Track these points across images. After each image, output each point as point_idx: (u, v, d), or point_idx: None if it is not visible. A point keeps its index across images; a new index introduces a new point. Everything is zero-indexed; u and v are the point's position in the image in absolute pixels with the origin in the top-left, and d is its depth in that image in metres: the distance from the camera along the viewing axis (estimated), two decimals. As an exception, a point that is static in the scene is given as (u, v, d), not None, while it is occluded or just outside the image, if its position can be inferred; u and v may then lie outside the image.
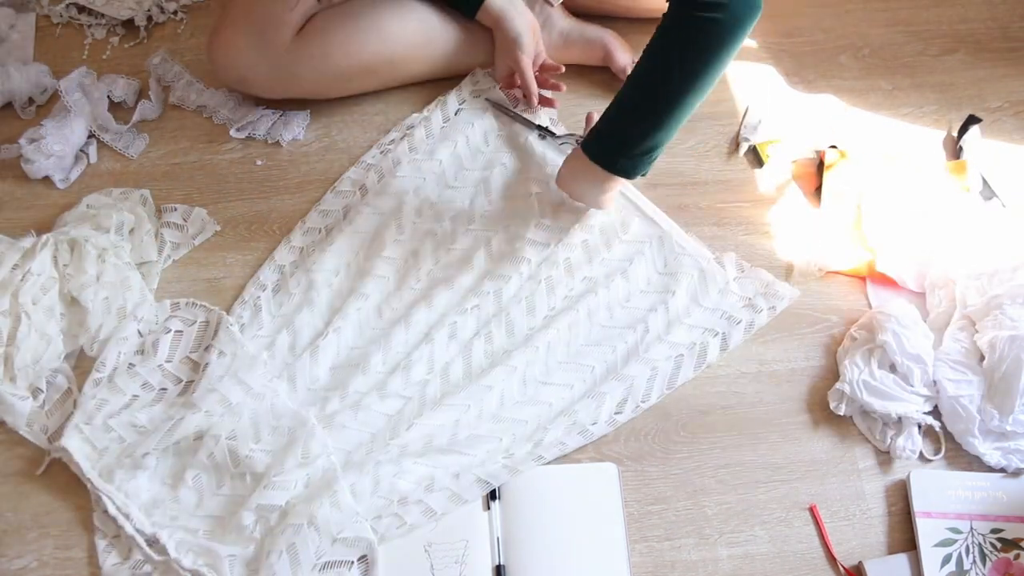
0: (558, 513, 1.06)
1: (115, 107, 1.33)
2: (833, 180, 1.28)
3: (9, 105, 1.34)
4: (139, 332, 1.15)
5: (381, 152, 1.32)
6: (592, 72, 1.39)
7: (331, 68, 1.27)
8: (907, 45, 1.46)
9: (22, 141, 1.26)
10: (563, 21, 1.36)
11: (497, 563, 1.03)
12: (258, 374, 1.12)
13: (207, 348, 1.14)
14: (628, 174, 1.14)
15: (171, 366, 1.14)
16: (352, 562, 1.03)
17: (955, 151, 1.34)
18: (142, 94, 1.36)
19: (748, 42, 1.44)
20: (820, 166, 1.31)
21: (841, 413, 1.12)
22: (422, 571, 1.02)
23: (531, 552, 1.03)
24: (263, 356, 1.14)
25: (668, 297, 1.19)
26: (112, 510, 1.04)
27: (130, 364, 1.13)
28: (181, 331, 1.16)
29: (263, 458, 1.07)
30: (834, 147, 1.31)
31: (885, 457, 1.11)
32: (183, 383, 1.13)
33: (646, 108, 1.07)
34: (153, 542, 1.02)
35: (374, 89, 1.36)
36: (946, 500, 1.07)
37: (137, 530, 1.03)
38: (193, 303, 1.18)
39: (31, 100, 1.34)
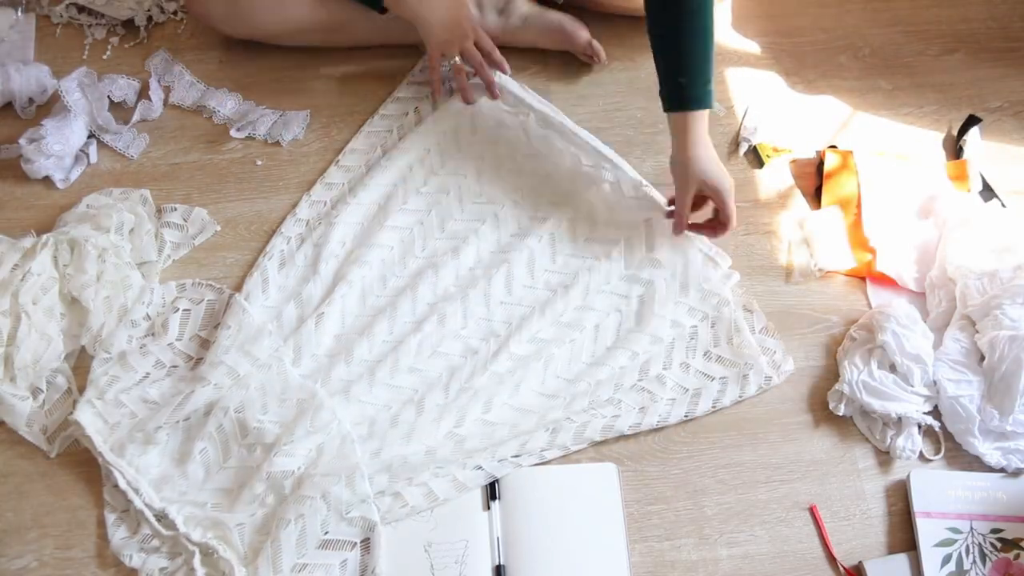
0: (558, 513, 1.06)
1: (115, 107, 1.33)
2: (833, 180, 1.28)
3: (9, 105, 1.33)
4: (147, 315, 1.17)
5: (382, 118, 1.34)
6: (550, 56, 1.41)
7: (285, 17, 1.31)
8: (907, 45, 1.46)
9: (22, 141, 1.26)
10: (525, 6, 1.37)
11: (497, 563, 1.03)
12: (264, 345, 1.13)
13: (216, 326, 1.16)
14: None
15: (181, 344, 1.15)
16: (355, 543, 1.03)
17: (955, 151, 1.34)
18: (142, 94, 1.35)
19: (749, 43, 1.44)
20: (820, 166, 1.31)
21: (841, 413, 1.12)
22: (422, 571, 1.02)
23: (531, 552, 1.03)
24: (268, 327, 1.15)
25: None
26: (122, 484, 1.04)
27: (142, 344, 1.14)
28: (189, 309, 1.18)
29: (272, 428, 1.08)
30: (834, 147, 1.31)
31: (885, 457, 1.11)
32: (193, 360, 1.15)
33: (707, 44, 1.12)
34: (162, 517, 1.03)
35: (328, 46, 1.39)
36: (946, 500, 1.07)
37: (146, 504, 1.04)
38: (199, 283, 1.20)
39: (31, 100, 1.34)
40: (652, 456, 1.11)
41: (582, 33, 1.37)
